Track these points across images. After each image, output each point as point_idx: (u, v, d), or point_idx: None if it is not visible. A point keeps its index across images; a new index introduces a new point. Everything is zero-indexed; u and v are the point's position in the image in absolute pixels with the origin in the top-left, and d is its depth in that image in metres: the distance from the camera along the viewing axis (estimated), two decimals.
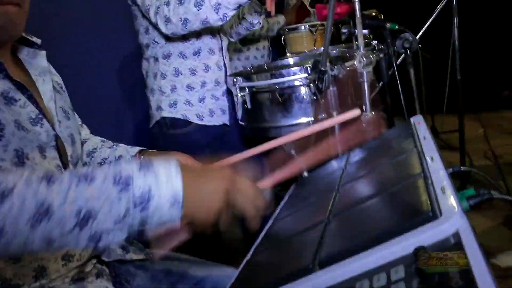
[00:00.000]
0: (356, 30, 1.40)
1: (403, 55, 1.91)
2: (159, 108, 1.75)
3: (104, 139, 1.19)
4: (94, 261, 0.97)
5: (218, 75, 1.77)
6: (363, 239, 0.56)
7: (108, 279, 0.93)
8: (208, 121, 1.75)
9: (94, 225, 0.59)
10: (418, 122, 0.95)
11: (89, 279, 0.92)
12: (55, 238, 0.59)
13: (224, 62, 1.82)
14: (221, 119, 1.79)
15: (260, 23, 1.91)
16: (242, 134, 1.73)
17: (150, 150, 1.13)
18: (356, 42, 1.97)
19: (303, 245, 0.66)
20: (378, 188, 0.71)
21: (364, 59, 1.26)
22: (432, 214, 0.52)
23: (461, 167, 0.77)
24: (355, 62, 1.29)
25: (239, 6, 1.50)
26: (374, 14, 2.67)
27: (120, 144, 1.16)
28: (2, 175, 0.58)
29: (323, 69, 1.26)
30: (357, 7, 1.28)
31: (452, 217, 0.50)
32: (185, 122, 1.73)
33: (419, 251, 0.47)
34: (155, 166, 0.64)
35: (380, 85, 1.90)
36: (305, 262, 0.59)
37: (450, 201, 0.55)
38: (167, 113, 1.73)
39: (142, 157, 1.10)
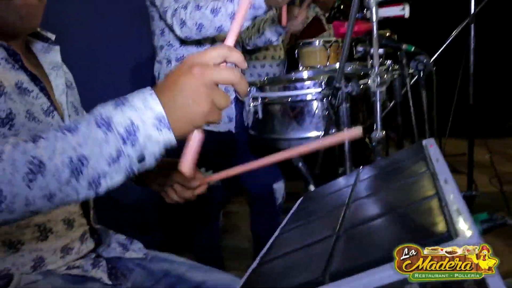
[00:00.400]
0: (372, 49, 1.41)
1: (416, 77, 1.92)
2: None
3: None
4: (93, 255, 0.99)
5: None
6: (377, 255, 0.55)
7: (103, 271, 0.94)
8: (214, 126, 1.76)
9: (89, 171, 0.59)
10: (431, 145, 0.95)
11: (84, 268, 0.93)
12: (54, 191, 0.58)
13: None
14: (227, 126, 1.80)
15: (278, 41, 1.93)
16: (251, 143, 1.73)
17: None
18: (371, 61, 2.00)
19: (312, 258, 0.66)
20: (392, 207, 0.70)
21: (378, 78, 1.27)
22: (448, 235, 0.52)
23: (473, 192, 0.77)
24: (368, 81, 1.29)
25: (255, 18, 1.52)
26: (388, 34, 2.69)
27: None
28: None
29: (337, 85, 1.27)
30: (375, 27, 1.29)
31: (468, 238, 0.50)
32: None
33: None
34: (129, 98, 0.62)
35: (392, 104, 1.91)
36: (315, 274, 0.58)
37: (466, 223, 0.55)
38: None
39: None
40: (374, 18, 1.27)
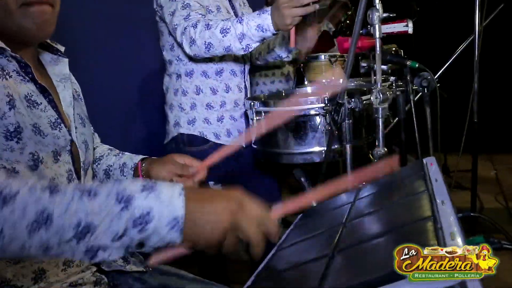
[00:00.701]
0: (375, 65, 1.41)
1: (420, 93, 1.91)
2: (177, 124, 1.76)
3: (112, 148, 1.22)
4: (94, 269, 0.98)
5: (238, 97, 1.79)
6: (368, 278, 0.55)
7: None
8: (225, 140, 1.76)
9: (92, 239, 0.60)
10: (431, 164, 0.94)
11: (87, 286, 0.92)
12: (52, 246, 0.59)
13: (245, 85, 1.84)
14: (237, 140, 1.80)
15: (288, 58, 1.94)
16: (255, 157, 1.74)
17: (152, 158, 1.15)
18: (375, 77, 2.00)
19: (306, 277, 0.66)
20: (387, 227, 0.70)
21: (381, 95, 1.27)
22: None
23: (471, 213, 0.76)
24: (371, 98, 1.29)
25: (263, 39, 1.52)
26: (394, 49, 2.69)
27: (126, 153, 1.19)
28: (7, 180, 0.59)
29: (340, 101, 1.27)
30: (378, 44, 1.29)
31: None
32: (202, 140, 1.74)
33: None
34: (158, 187, 0.63)
35: (395, 121, 1.90)
36: None
37: (459, 245, 0.54)
38: (184, 129, 1.75)
39: (144, 164, 1.12)
40: (377, 35, 1.27)
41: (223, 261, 2.09)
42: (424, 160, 1.00)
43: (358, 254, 0.66)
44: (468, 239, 0.66)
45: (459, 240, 0.56)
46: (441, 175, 0.86)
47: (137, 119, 2.37)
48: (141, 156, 1.15)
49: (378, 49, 1.30)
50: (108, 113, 2.03)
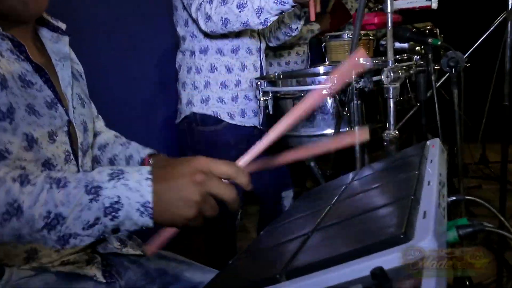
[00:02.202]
0: (396, 43, 1.40)
1: (447, 75, 1.87)
2: (189, 103, 1.78)
3: (118, 134, 1.22)
4: (89, 250, 1.00)
5: (253, 76, 1.80)
6: (332, 255, 0.57)
7: (98, 267, 0.96)
8: (239, 121, 1.78)
9: (62, 228, 0.65)
10: (433, 145, 0.94)
11: (79, 264, 0.95)
12: (24, 235, 0.65)
13: (261, 64, 1.85)
14: (252, 120, 1.81)
15: (298, 29, 1.93)
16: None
17: (161, 155, 1.13)
18: (398, 56, 1.97)
19: (280, 256, 0.68)
20: (367, 207, 0.71)
21: (392, 74, 1.25)
22: (403, 236, 0.53)
23: (465, 197, 0.76)
24: (382, 76, 1.28)
25: (282, 12, 1.52)
26: (429, 27, 2.62)
27: (132, 143, 1.18)
28: None
29: (347, 80, 1.27)
30: (389, 18, 1.28)
31: (420, 242, 0.51)
32: (216, 120, 1.76)
33: (375, 272, 0.48)
34: (125, 174, 0.68)
35: (418, 105, 1.87)
36: (274, 272, 0.60)
37: (428, 225, 0.55)
38: (198, 108, 1.77)
39: (151, 161, 1.11)
40: (389, 9, 1.26)
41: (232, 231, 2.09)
42: (428, 142, 1.00)
43: (332, 233, 0.67)
44: (452, 220, 0.67)
45: (430, 218, 0.57)
46: (439, 157, 0.86)
47: (148, 98, 2.41)
48: (148, 150, 1.13)
49: (389, 24, 1.28)
50: (117, 93, 2.07)
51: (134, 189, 0.66)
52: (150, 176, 0.67)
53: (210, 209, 0.70)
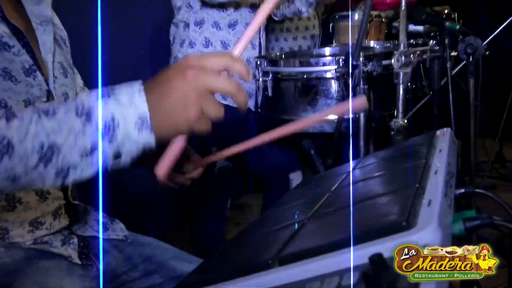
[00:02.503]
0: (410, 26, 1.41)
1: (464, 62, 1.87)
2: None
3: None
4: (66, 232, 1.00)
5: (251, 54, 1.79)
6: (329, 241, 0.58)
7: (74, 249, 0.96)
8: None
9: (59, 159, 0.63)
10: (443, 135, 0.95)
11: (52, 244, 0.94)
12: (19, 175, 0.63)
13: (260, 42, 1.84)
14: None
15: (308, 13, 1.93)
16: (260, 123, 1.76)
17: None
18: (412, 40, 1.97)
19: (273, 242, 0.69)
20: (370, 194, 0.73)
21: (403, 58, 1.26)
22: (405, 224, 0.54)
23: (475, 189, 0.77)
24: (392, 60, 1.29)
25: None
26: (446, 11, 2.62)
27: None
28: None
29: (354, 63, 1.27)
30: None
31: (423, 230, 0.52)
32: None
33: (374, 259, 0.49)
34: (116, 90, 0.66)
35: (431, 93, 1.88)
36: (266, 257, 0.61)
37: (432, 214, 0.56)
38: None
39: None
40: None
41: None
42: (438, 132, 1.01)
43: (331, 219, 0.69)
44: (460, 212, 0.68)
45: (435, 207, 0.58)
46: (449, 146, 0.87)
47: (138, 70, 2.40)
48: None
49: (403, 5, 1.28)
50: (105, 62, 2.07)
51: (127, 103, 0.65)
52: (141, 87, 0.66)
53: (212, 107, 0.69)
